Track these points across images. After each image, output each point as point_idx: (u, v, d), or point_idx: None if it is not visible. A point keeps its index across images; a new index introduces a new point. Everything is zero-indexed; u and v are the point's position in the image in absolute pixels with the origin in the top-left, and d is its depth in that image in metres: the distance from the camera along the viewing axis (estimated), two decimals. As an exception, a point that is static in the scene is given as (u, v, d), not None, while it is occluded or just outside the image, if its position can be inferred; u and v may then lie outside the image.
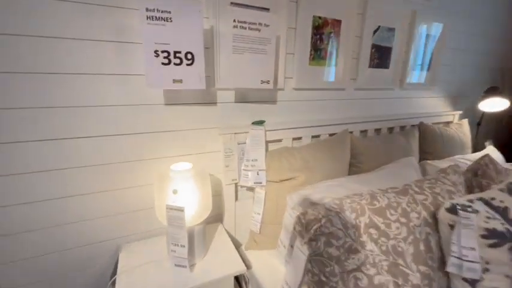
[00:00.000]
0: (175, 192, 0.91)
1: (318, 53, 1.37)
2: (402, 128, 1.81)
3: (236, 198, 1.32)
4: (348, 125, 1.52)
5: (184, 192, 0.95)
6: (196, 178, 1.00)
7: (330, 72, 1.43)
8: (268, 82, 1.13)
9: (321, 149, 1.31)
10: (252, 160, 1.20)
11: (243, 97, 1.24)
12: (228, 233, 1.28)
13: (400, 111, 1.82)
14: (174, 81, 0.95)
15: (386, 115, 1.72)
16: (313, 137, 1.44)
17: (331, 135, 1.50)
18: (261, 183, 1.19)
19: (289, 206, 1.12)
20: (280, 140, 1.35)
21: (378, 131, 1.71)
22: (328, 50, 1.39)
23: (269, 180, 1.20)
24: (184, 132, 1.16)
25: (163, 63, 0.92)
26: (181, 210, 0.90)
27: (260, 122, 1.28)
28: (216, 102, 1.19)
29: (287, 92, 1.35)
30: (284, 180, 1.19)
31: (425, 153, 1.70)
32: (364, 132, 1.65)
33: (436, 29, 1.74)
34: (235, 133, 1.20)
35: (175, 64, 0.94)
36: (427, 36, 1.72)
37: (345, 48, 1.43)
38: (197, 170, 1.05)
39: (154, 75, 0.92)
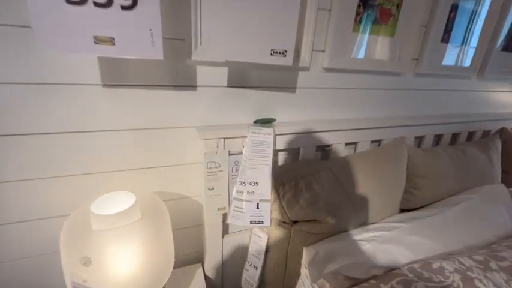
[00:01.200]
0: (86, 262, 0.46)
1: (368, 13, 0.84)
2: (471, 134, 1.28)
3: (226, 232, 0.88)
4: (399, 128, 1.01)
5: (113, 256, 0.50)
6: (143, 225, 0.55)
7: (383, 46, 0.91)
8: (284, 54, 0.64)
9: (362, 166, 0.83)
10: (251, 183, 0.74)
11: (241, 79, 0.76)
12: (210, 280, 0.86)
13: (473, 109, 1.27)
14: (97, 40, 0.48)
15: (451, 115, 1.19)
16: (347, 144, 0.95)
17: (374, 142, 1.01)
18: (262, 222, 0.73)
19: (305, 269, 0.67)
20: (297, 150, 0.87)
21: (437, 137, 1.19)
22: (385, 9, 0.86)
23: (276, 218, 0.74)
24: (137, 133, 0.70)
25: (69, 2, 0.45)
26: (97, 297, 0.46)
27: (267, 121, 0.80)
28: (195, 86, 0.71)
29: (314, 73, 0.85)
30: (301, 221, 0.73)
31: (508, 175, 1.17)
32: (418, 139, 1.14)
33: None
34: (225, 138, 0.74)
35: (98, 5, 0.46)
36: (532, -2, 1.13)
37: (410, 8, 0.89)
38: (147, 205, 0.60)
39: (50, 25, 0.45)
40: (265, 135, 0.75)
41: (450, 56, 1.06)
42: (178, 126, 0.73)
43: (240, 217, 0.73)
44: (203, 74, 0.71)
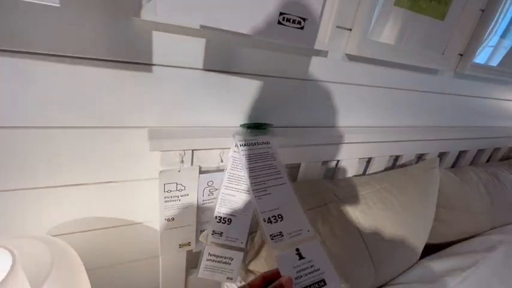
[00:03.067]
0: None
1: (418, -21, 0.58)
2: (496, 150, 1.09)
3: (192, 268, 0.65)
4: (423, 143, 0.80)
5: None
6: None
7: (427, 32, 0.66)
8: (300, 23, 0.37)
9: (385, 199, 0.60)
10: (270, 220, 0.49)
11: (225, 59, 0.49)
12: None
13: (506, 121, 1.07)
14: None
15: (479, 128, 0.99)
16: (360, 158, 0.72)
17: (396, 160, 0.79)
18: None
19: None
20: (297, 166, 0.63)
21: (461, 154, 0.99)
22: (442, -23, 0.60)
23: (256, 270, 0.51)
24: (60, 132, 0.43)
25: None
26: None
27: (260, 126, 0.55)
28: (150, 64, 0.44)
29: (332, 60, 0.59)
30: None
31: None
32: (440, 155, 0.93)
33: None
34: (193, 149, 0.48)
35: None
36: None
37: (473, -20, 0.64)
38: (41, 266, 0.34)
39: None
40: (263, 145, 0.50)
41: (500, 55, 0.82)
42: (124, 125, 0.47)
43: (213, 270, 0.49)
44: (164, 46, 0.43)
